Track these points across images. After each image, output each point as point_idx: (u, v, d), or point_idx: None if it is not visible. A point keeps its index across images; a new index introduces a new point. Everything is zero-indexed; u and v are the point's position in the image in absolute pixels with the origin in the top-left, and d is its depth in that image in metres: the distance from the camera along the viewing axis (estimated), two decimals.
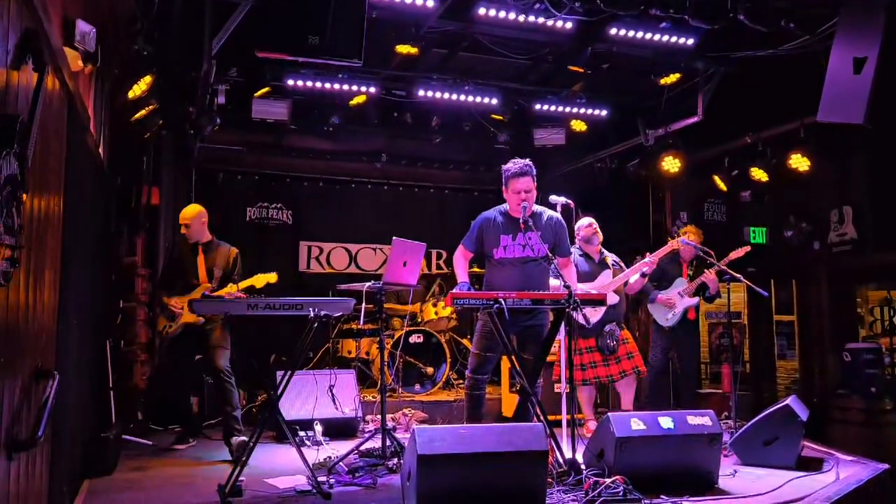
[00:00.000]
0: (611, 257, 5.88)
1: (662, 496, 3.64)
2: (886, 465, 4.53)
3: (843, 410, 6.92)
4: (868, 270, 8.03)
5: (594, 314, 5.50)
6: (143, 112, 5.54)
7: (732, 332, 6.36)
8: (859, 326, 8.68)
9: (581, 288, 5.26)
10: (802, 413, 4.59)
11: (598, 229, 5.78)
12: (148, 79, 5.12)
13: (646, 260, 5.65)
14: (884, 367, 7.26)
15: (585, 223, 5.82)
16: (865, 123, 4.65)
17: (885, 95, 4.72)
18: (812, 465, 4.52)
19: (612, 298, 5.43)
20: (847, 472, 4.34)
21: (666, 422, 3.94)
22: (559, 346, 5.30)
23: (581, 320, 5.25)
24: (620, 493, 3.47)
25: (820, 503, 3.61)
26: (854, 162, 7.81)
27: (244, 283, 5.25)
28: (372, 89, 6.77)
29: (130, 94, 5.13)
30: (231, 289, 5.16)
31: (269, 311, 4.07)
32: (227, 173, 8.24)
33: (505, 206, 4.71)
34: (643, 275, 5.72)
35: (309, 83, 6.54)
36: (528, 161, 4.58)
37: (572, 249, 5.38)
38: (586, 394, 5.82)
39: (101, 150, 4.95)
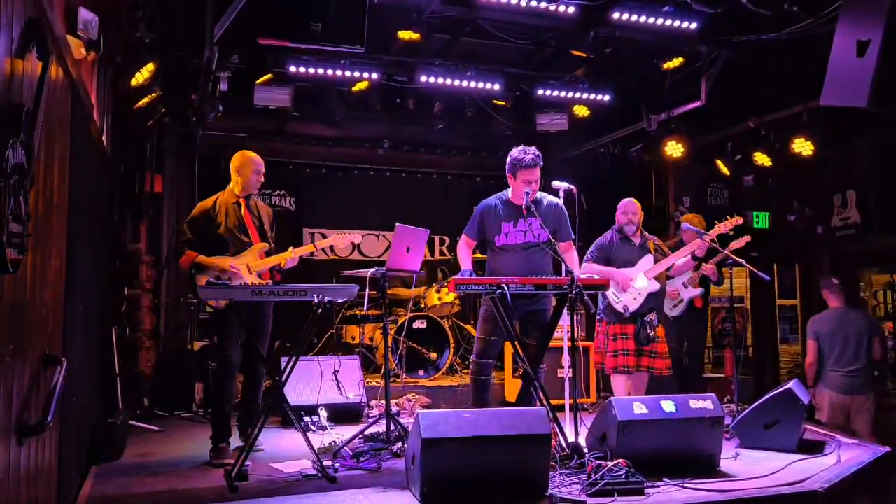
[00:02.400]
0: (653, 240, 5.56)
1: (664, 479, 3.67)
2: (887, 448, 4.55)
3: None
4: (871, 254, 8.03)
5: (634, 303, 5.23)
6: (145, 99, 5.55)
7: (735, 316, 6.36)
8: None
9: (623, 274, 5.19)
10: (804, 396, 4.61)
11: (640, 211, 5.46)
12: (150, 66, 5.13)
13: (697, 242, 5.34)
14: (887, 350, 7.27)
15: (620, 208, 5.47)
16: (869, 107, 4.62)
17: (889, 78, 4.70)
18: (813, 448, 4.54)
19: (654, 286, 5.25)
20: (848, 454, 4.35)
21: (668, 405, 3.96)
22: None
23: (620, 309, 5.21)
24: (623, 476, 3.50)
25: (820, 485, 3.63)
26: (857, 146, 7.79)
27: (302, 250, 4.72)
28: (374, 75, 6.76)
29: (133, 82, 5.13)
30: (289, 253, 4.64)
31: (273, 298, 4.10)
32: (229, 160, 8.20)
33: (505, 194, 4.72)
34: (694, 257, 5.41)
35: (311, 70, 6.52)
36: (537, 151, 4.59)
37: (609, 232, 5.43)
38: (621, 382, 5.31)
39: (104, 138, 4.96)
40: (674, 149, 7.53)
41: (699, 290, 6.10)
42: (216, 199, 4.66)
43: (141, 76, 5.10)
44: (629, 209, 5.42)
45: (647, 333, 5.19)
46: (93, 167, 4.24)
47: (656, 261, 5.31)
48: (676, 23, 5.81)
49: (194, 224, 4.58)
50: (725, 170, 7.71)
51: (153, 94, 5.54)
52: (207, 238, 4.54)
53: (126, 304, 6.46)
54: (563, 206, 4.74)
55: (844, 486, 3.76)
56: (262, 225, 4.73)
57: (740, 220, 5.41)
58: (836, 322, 6.19)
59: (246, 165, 4.68)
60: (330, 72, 6.59)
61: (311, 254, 4.69)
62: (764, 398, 4.71)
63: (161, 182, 7.36)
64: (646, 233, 5.53)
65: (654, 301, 5.34)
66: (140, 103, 5.54)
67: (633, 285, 5.21)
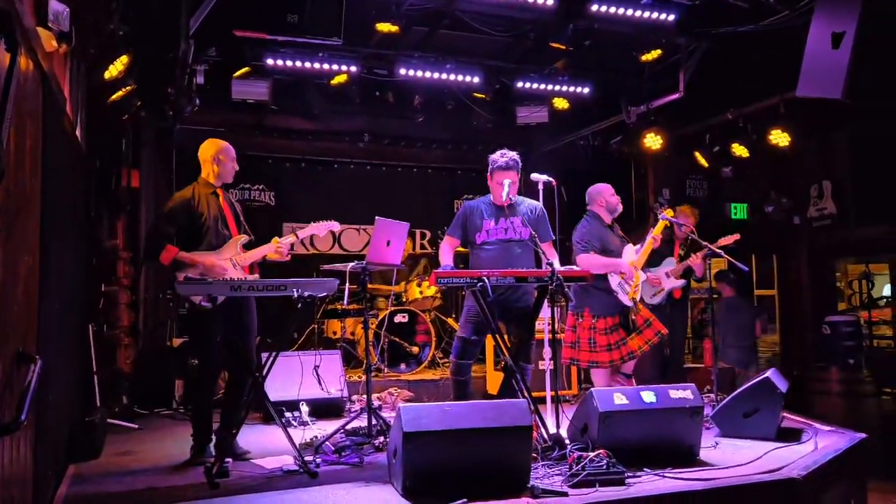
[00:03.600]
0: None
1: (645, 469, 3.69)
2: (864, 435, 4.63)
3: (822, 382, 7.04)
4: (847, 244, 8.14)
5: (638, 293, 5.17)
6: (120, 93, 5.48)
7: (714, 307, 6.42)
8: (839, 300, 8.82)
9: (626, 264, 5.13)
10: (782, 385, 4.67)
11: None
12: (124, 59, 5.05)
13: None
14: (862, 339, 7.39)
15: (609, 191, 5.34)
16: (844, 98, 4.69)
17: (863, 70, 4.75)
18: (791, 436, 4.59)
19: (643, 275, 5.28)
20: (825, 441, 4.41)
21: (648, 396, 3.99)
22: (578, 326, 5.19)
23: (628, 303, 5.14)
24: (604, 467, 3.51)
25: (799, 472, 3.67)
26: (833, 137, 7.89)
27: (285, 240, 4.53)
28: (353, 68, 6.71)
29: (107, 75, 5.06)
30: (275, 243, 4.47)
31: (253, 292, 4.04)
32: None
33: (488, 197, 4.78)
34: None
35: (289, 62, 6.46)
36: (515, 156, 4.64)
37: (588, 220, 5.32)
38: (603, 375, 5.26)
39: (78, 132, 4.88)
40: (653, 141, 7.57)
41: (682, 282, 6.14)
42: (193, 189, 4.42)
43: (115, 69, 5.03)
44: (611, 191, 5.33)
45: (632, 318, 5.21)
46: (67, 161, 4.16)
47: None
48: (654, 15, 5.84)
49: (173, 217, 4.33)
50: (704, 161, 7.77)
51: (128, 88, 5.47)
52: (188, 231, 4.32)
53: (103, 301, 6.38)
54: (544, 209, 4.77)
55: (822, 472, 3.80)
56: (239, 216, 4.58)
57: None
58: (731, 308, 7.37)
59: (222, 153, 4.49)
60: (308, 64, 6.53)
61: (293, 244, 4.60)
62: (743, 387, 4.77)
63: (138, 177, 7.27)
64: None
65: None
66: (114, 97, 5.46)
67: (633, 276, 5.18)
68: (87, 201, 5.81)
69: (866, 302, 8.68)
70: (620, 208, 5.38)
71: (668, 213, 5.49)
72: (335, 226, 4.78)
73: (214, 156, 4.48)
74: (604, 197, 5.32)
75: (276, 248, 4.48)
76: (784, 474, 3.68)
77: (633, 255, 5.26)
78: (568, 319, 5.40)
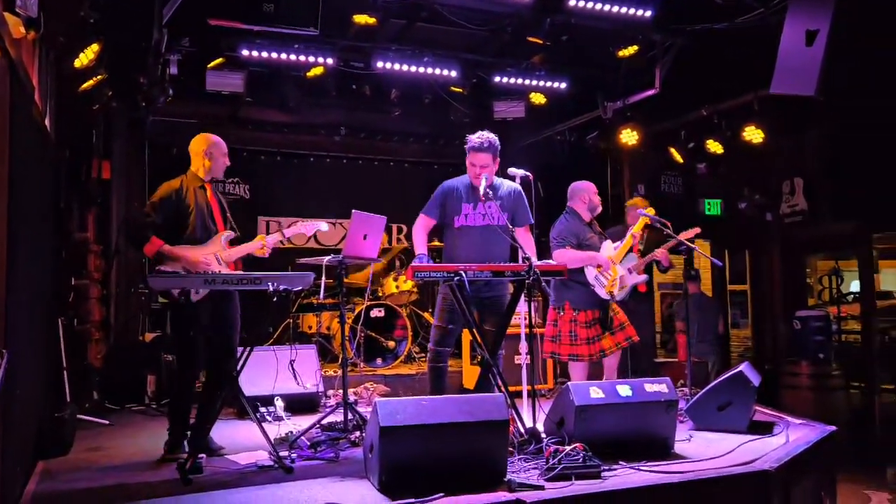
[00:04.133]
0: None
1: (621, 462, 3.72)
2: (834, 427, 4.70)
3: (793, 376, 7.16)
4: (817, 241, 8.27)
5: (622, 292, 5.25)
6: (91, 82, 5.36)
7: (688, 302, 6.48)
8: (808, 295, 8.97)
9: (604, 258, 5.19)
10: (754, 379, 4.73)
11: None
12: (95, 47, 4.94)
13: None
14: (831, 333, 7.52)
15: (591, 189, 5.37)
16: (817, 95, 4.75)
17: (837, 68, 4.82)
18: (763, 429, 4.65)
19: (622, 270, 5.30)
20: (796, 434, 4.48)
21: (624, 390, 4.01)
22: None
23: (605, 296, 5.18)
24: (580, 460, 3.53)
25: (770, 464, 3.72)
26: (806, 135, 7.99)
27: (272, 237, 4.48)
28: (329, 60, 6.64)
29: (77, 63, 4.94)
30: (261, 239, 4.42)
31: (227, 286, 3.99)
32: (181, 147, 7.95)
33: (467, 177, 4.72)
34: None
35: (265, 54, 6.38)
36: (489, 137, 4.56)
37: (567, 217, 5.36)
38: (580, 368, 5.30)
39: (47, 122, 4.77)
40: (629, 136, 7.62)
41: (644, 277, 6.12)
42: (181, 181, 4.33)
43: (85, 57, 4.91)
44: (595, 189, 5.39)
45: (610, 315, 5.26)
46: (35, 152, 4.07)
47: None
48: (631, 11, 5.86)
49: (161, 207, 4.21)
50: (679, 157, 7.84)
51: (99, 77, 5.35)
52: (174, 223, 4.23)
53: (73, 295, 6.26)
54: (522, 191, 4.75)
55: (793, 464, 3.86)
56: (226, 212, 4.50)
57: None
58: (696, 304, 7.54)
59: (215, 148, 4.42)
60: (284, 56, 6.45)
61: (281, 241, 4.55)
62: (716, 381, 4.82)
63: (109, 168, 7.13)
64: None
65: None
66: (85, 86, 5.34)
67: (610, 270, 5.21)
68: (57, 193, 5.69)
69: (836, 297, 8.83)
70: (600, 209, 5.43)
71: (651, 210, 5.55)
72: (323, 225, 4.76)
73: (206, 150, 4.40)
74: (587, 194, 5.36)
75: (262, 246, 4.42)
76: (756, 466, 3.72)
77: (611, 250, 5.30)
78: (549, 314, 5.43)
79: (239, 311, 4.40)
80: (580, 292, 5.22)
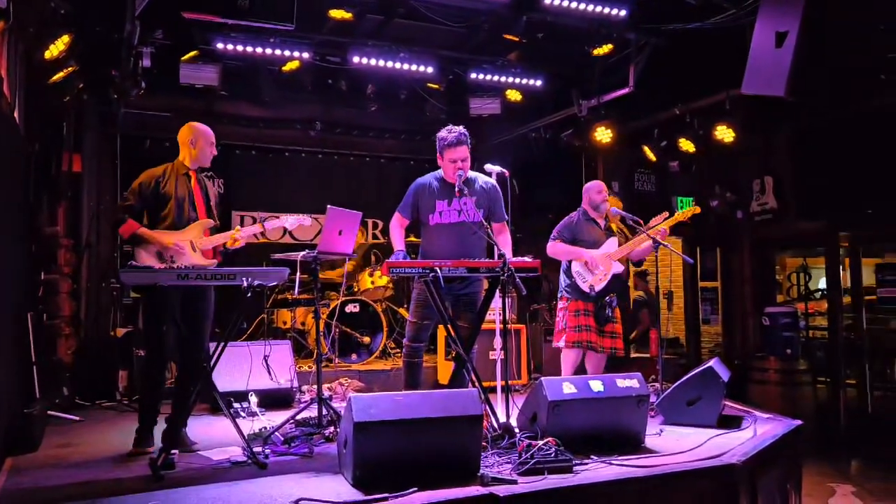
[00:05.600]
0: (616, 221, 5.63)
1: (592, 456, 3.77)
2: (800, 422, 4.81)
3: (762, 371, 7.29)
4: (786, 239, 8.42)
5: (600, 283, 5.33)
6: (61, 74, 5.29)
7: (661, 295, 6.54)
8: (777, 292, 9.13)
9: (593, 254, 5.32)
10: (724, 374, 4.81)
11: (608, 196, 5.54)
12: (66, 38, 4.87)
13: (651, 228, 5.43)
14: (799, 330, 7.67)
15: (595, 188, 5.56)
16: (787, 96, 4.83)
17: (806, 69, 4.91)
18: (732, 423, 4.74)
19: (617, 268, 5.36)
20: (764, 428, 4.57)
21: (596, 385, 4.07)
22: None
23: (586, 288, 5.33)
24: (552, 455, 3.57)
25: (738, 458, 3.80)
26: (776, 134, 8.12)
27: (249, 230, 4.59)
28: (305, 55, 6.60)
29: (47, 55, 4.87)
30: (236, 231, 4.51)
31: (201, 281, 3.95)
32: (154, 140, 7.92)
33: (440, 172, 4.71)
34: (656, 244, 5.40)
35: (239, 47, 6.32)
36: (462, 129, 4.58)
37: (574, 213, 5.54)
38: (573, 356, 5.43)
39: (16, 114, 4.70)
40: (603, 134, 7.68)
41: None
42: (165, 168, 4.40)
43: (55, 49, 4.84)
44: (603, 188, 5.58)
45: (607, 314, 5.38)
46: (2, 144, 4.01)
47: (620, 244, 5.45)
48: (606, 10, 5.91)
49: (139, 192, 4.27)
50: (652, 156, 7.92)
51: (69, 69, 5.28)
52: (153, 208, 4.30)
53: (43, 289, 6.17)
54: (498, 187, 4.77)
55: (760, 457, 3.94)
56: (209, 201, 4.53)
57: (667, 214, 5.61)
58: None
59: (201, 136, 4.47)
60: (259, 50, 6.40)
61: (262, 233, 4.55)
62: (686, 376, 4.89)
63: (80, 161, 7.03)
64: (620, 212, 5.53)
65: (617, 283, 5.49)
66: (55, 78, 5.27)
67: (599, 266, 5.32)
68: (26, 186, 5.60)
69: (804, 294, 9.01)
70: (605, 206, 5.53)
71: (611, 201, 5.64)
72: (306, 220, 4.81)
73: (191, 139, 4.46)
74: (588, 194, 5.60)
75: (234, 237, 4.47)
76: (724, 460, 3.80)
77: (612, 247, 5.43)
78: (558, 304, 5.66)
79: (212, 305, 4.41)
80: (573, 283, 5.46)
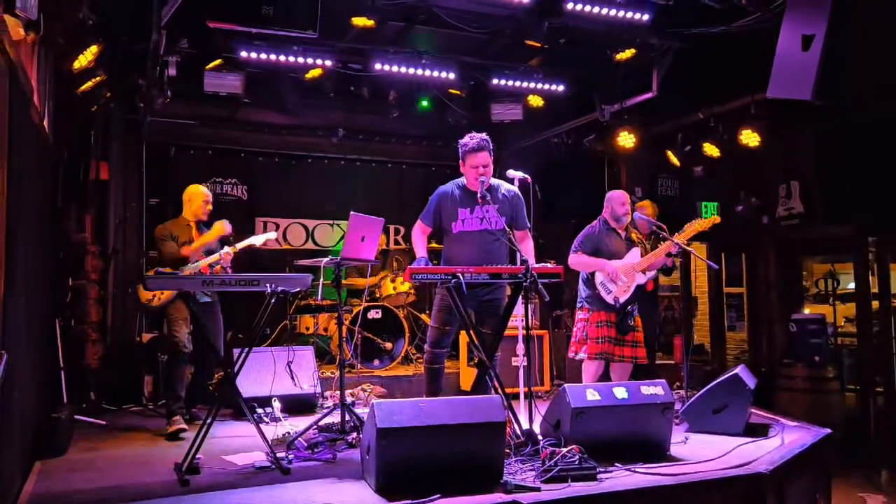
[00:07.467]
0: (635, 232, 5.60)
1: (616, 464, 3.74)
2: (828, 430, 4.73)
3: (789, 379, 7.16)
4: (813, 243, 8.28)
5: (624, 294, 5.28)
6: (89, 84, 5.37)
7: (689, 304, 6.48)
8: (804, 298, 8.97)
9: (616, 266, 5.24)
10: (750, 382, 4.74)
11: (630, 208, 5.47)
12: (94, 49, 4.94)
13: (671, 241, 5.30)
14: (827, 336, 7.53)
15: (618, 199, 5.49)
16: (813, 99, 4.76)
17: (833, 72, 4.84)
18: (759, 432, 4.67)
19: (641, 278, 5.32)
20: (791, 437, 4.50)
21: (620, 392, 4.03)
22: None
23: (610, 300, 5.26)
24: (576, 462, 3.54)
25: (766, 467, 3.74)
26: (802, 138, 8.01)
27: (243, 244, 5.26)
28: (328, 62, 6.65)
29: (76, 65, 4.95)
30: (225, 253, 5.18)
31: (225, 287, 4.01)
32: (179, 147, 8.03)
33: (462, 180, 4.71)
34: (668, 254, 5.37)
35: (263, 55, 6.38)
36: (485, 135, 4.58)
37: (595, 224, 5.48)
38: (594, 368, 5.38)
39: (45, 123, 4.78)
40: (626, 139, 7.63)
41: (652, 274, 6.13)
42: (170, 225, 5.37)
43: (84, 59, 4.91)
44: (626, 200, 5.49)
45: (629, 323, 5.30)
46: (33, 153, 4.08)
47: (642, 254, 5.39)
48: (629, 14, 5.86)
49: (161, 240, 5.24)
50: (675, 160, 7.85)
51: (97, 78, 5.35)
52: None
53: (71, 296, 6.26)
54: (520, 195, 4.75)
55: (788, 467, 3.88)
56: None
57: (703, 219, 5.47)
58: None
59: (196, 196, 5.43)
60: (282, 58, 6.45)
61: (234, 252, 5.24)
62: (712, 384, 4.83)
63: (107, 169, 7.14)
64: (648, 220, 5.50)
65: (638, 292, 5.42)
66: (83, 87, 5.35)
67: (622, 277, 5.26)
68: (55, 194, 5.69)
69: (832, 300, 8.85)
70: (627, 219, 5.47)
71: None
72: (271, 234, 5.58)
73: (188, 199, 5.45)
74: (611, 204, 5.51)
75: (219, 263, 5.17)
76: (751, 469, 3.74)
77: (636, 258, 5.36)
78: (575, 314, 5.59)
79: (221, 323, 5.33)
80: (595, 294, 5.38)
